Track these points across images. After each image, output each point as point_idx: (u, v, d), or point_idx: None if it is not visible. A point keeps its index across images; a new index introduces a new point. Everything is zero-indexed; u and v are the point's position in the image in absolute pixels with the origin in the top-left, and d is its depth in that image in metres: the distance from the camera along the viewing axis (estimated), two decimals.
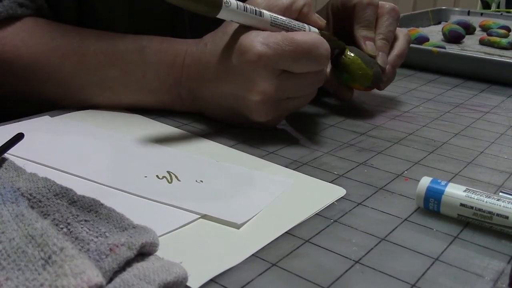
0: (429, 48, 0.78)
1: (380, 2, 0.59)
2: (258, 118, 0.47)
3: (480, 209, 0.35)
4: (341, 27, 0.61)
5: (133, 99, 0.52)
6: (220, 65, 0.47)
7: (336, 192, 0.40)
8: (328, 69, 0.58)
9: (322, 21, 0.50)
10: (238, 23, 0.46)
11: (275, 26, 0.46)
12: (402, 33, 0.60)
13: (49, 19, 0.55)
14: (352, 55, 0.54)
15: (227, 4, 0.43)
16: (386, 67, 0.57)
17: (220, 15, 0.44)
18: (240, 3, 0.44)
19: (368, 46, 0.56)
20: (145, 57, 0.51)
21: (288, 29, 0.47)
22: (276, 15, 0.47)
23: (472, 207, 0.35)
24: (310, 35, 0.46)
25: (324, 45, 0.46)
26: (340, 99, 0.61)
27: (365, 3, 0.57)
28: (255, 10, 0.45)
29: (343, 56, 0.55)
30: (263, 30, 0.45)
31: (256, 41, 0.44)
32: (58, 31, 0.53)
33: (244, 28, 0.46)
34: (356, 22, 0.57)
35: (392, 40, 0.58)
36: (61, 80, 0.52)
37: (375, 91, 0.59)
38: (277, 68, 0.45)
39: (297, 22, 0.48)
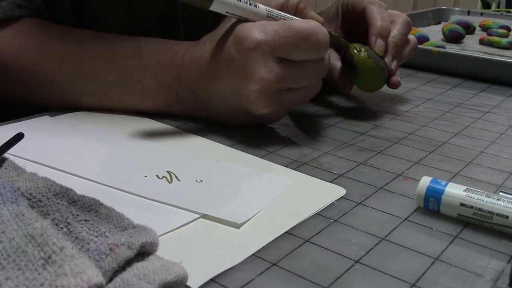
0: (429, 48, 0.78)
1: (394, 11, 0.60)
2: (258, 109, 0.46)
3: (480, 209, 0.35)
4: (348, 27, 0.61)
5: (129, 103, 0.52)
6: (219, 59, 0.47)
7: (336, 191, 0.40)
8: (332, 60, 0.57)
9: (319, 18, 0.50)
10: (233, 15, 0.45)
11: (271, 18, 0.46)
12: (411, 38, 0.61)
13: (46, 20, 0.54)
14: (364, 55, 0.53)
15: None
16: (393, 66, 0.56)
17: (213, 7, 0.43)
18: None
19: (378, 44, 0.55)
20: (142, 59, 0.50)
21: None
22: (272, 9, 0.47)
23: (472, 207, 0.35)
24: (308, 22, 0.45)
25: (322, 31, 0.45)
26: (339, 90, 0.60)
27: (377, 4, 0.57)
28: (249, 1, 0.45)
29: (356, 59, 0.54)
30: None
31: (254, 29, 0.44)
32: (55, 34, 0.52)
33: (241, 21, 0.46)
34: (371, 20, 0.56)
35: (400, 47, 0.58)
36: (57, 86, 0.51)
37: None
38: (276, 56, 0.44)
39: (294, 17, 0.48)
